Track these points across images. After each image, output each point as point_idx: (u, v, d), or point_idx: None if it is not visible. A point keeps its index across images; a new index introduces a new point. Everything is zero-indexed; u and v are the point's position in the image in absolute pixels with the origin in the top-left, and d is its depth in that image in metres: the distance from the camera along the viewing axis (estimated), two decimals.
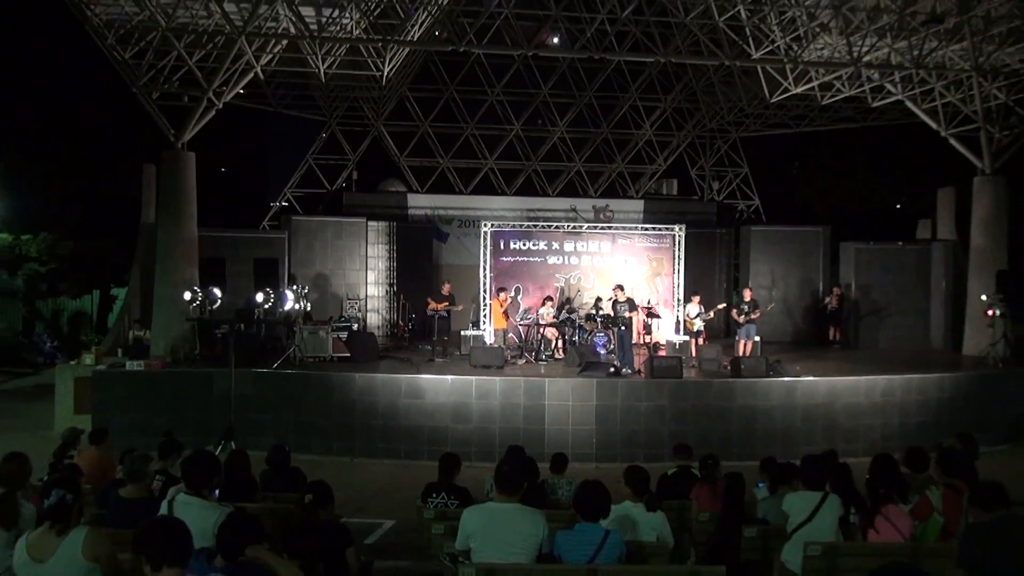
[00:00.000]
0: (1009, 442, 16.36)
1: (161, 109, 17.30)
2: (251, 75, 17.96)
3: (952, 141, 20.17)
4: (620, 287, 17.36)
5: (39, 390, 20.76)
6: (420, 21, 20.20)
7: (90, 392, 15.71)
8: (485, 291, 19.22)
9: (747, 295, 18.59)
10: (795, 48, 20.58)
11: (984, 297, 18.50)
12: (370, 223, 22.64)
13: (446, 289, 18.69)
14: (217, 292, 16.28)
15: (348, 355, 17.17)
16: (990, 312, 18.12)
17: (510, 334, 19.21)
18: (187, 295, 16.08)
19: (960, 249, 21.34)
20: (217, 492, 6.24)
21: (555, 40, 25.97)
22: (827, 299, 21.91)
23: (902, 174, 35.90)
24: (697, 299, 18.68)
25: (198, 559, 4.51)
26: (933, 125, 20.39)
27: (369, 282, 22.57)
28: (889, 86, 20.73)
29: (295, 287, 18.25)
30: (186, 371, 15.79)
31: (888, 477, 7.12)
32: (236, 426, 13.75)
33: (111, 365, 16.35)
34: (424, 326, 20.13)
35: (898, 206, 38.87)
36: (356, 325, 19.69)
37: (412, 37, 20.40)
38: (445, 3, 20.49)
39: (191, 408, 15.05)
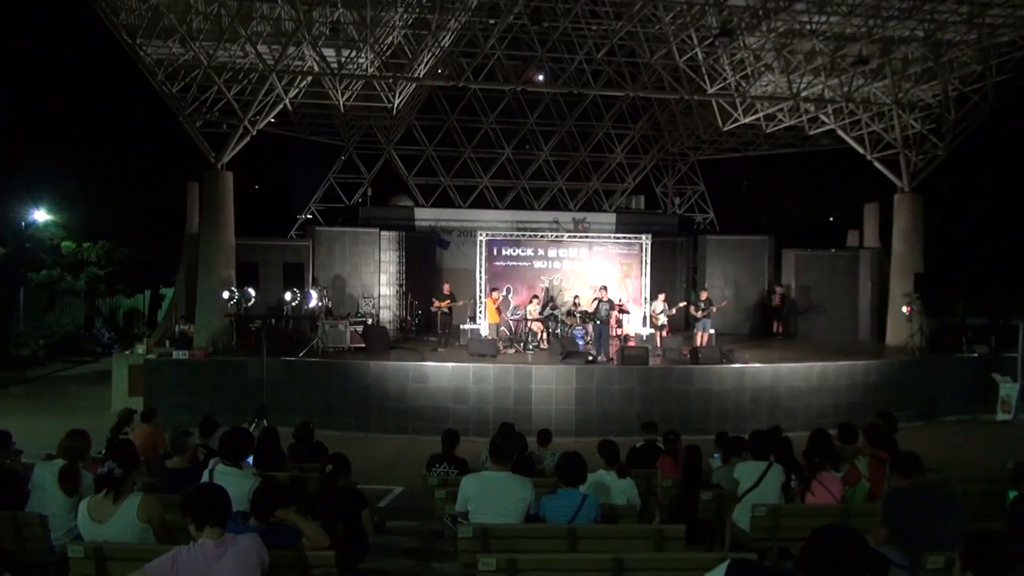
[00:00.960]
0: (924, 419, 16.47)
1: (203, 135, 17.23)
2: (281, 106, 17.90)
3: (876, 164, 20.23)
4: (604, 288, 17.37)
5: (98, 376, 20.67)
6: (425, 61, 20.16)
7: (142, 377, 15.65)
8: (481, 291, 19.20)
9: (703, 295, 18.71)
10: (744, 84, 20.64)
11: (904, 296, 18.60)
12: (382, 233, 22.57)
13: (446, 289, 18.68)
14: (251, 292, 16.24)
15: (364, 346, 17.14)
16: (908, 308, 18.22)
17: (502, 327, 19.21)
18: (225, 294, 16.03)
19: (883, 255, 21.41)
20: (251, 461, 6.23)
21: (540, 77, 25.99)
22: (773, 297, 21.98)
23: (835, 191, 35.92)
24: (662, 297, 18.69)
25: (235, 520, 4.51)
26: (860, 150, 20.45)
27: (382, 283, 22.50)
28: (823, 117, 20.78)
29: (318, 287, 18.21)
30: (225, 359, 15.73)
31: (823, 449, 7.14)
32: (267, 406, 13.74)
33: (160, 355, 16.28)
34: (429, 321, 20.10)
35: (831, 218, 38.91)
36: (370, 320, 19.65)
37: (418, 74, 20.36)
38: (447, 45, 20.46)
39: (229, 391, 15.00)
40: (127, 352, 17.73)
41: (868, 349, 19.18)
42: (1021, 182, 31.23)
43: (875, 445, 6.97)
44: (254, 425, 12.62)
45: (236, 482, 5.22)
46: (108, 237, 26.58)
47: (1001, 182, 31.48)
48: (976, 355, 17.89)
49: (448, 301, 18.30)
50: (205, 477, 5.52)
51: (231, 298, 16.02)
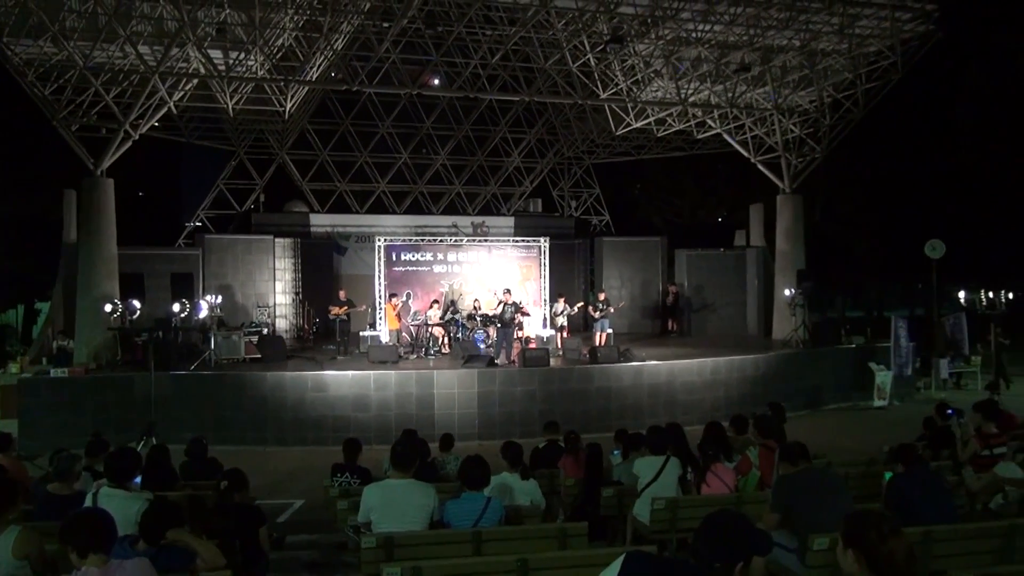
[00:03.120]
0: (808, 408, 17.30)
1: (80, 139, 16.32)
2: (164, 109, 17.17)
3: (760, 166, 21.17)
4: (508, 292, 17.46)
5: None
6: (317, 64, 19.76)
7: (15, 398, 14.63)
8: (380, 297, 18.96)
9: (601, 296, 19.07)
10: (635, 90, 21.23)
11: (787, 292, 19.49)
12: (276, 240, 21.99)
13: (342, 295, 18.40)
14: (136, 304, 15.51)
15: (259, 356, 16.65)
16: (792, 304, 19.10)
17: (403, 333, 19.03)
18: (108, 307, 15.26)
19: (768, 253, 22.38)
20: (139, 482, 5.94)
21: (436, 81, 25.94)
22: (668, 297, 22.63)
23: (723, 193, 37.38)
24: (562, 299, 18.97)
25: (121, 545, 4.28)
26: (744, 153, 21.36)
27: (277, 291, 21.92)
28: (710, 122, 21.61)
29: (209, 297, 17.57)
30: (108, 376, 14.92)
31: (716, 441, 7.41)
32: (156, 423, 13.15)
33: (36, 373, 15.30)
34: (327, 329, 19.70)
35: (720, 219, 40.51)
36: (266, 330, 19.12)
37: (311, 77, 19.95)
38: (340, 48, 20.13)
39: (114, 409, 14.23)
40: None
41: (756, 343, 19.98)
42: (892, 183, 33.41)
43: (764, 435, 7.26)
44: (142, 443, 12.05)
45: (123, 504, 4.96)
46: None
47: (874, 182, 33.57)
48: (854, 346, 18.94)
49: (345, 308, 17.99)
50: (88, 501, 5.22)
51: (114, 311, 15.26)
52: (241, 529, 5.49)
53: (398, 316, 18.59)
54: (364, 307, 18.83)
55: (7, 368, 16.26)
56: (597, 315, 18.43)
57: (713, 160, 31.21)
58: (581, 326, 22.35)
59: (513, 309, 17.01)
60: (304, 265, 22.67)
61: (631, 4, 17.26)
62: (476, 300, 19.22)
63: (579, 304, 19.83)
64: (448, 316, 18.60)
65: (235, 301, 20.61)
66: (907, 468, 5.94)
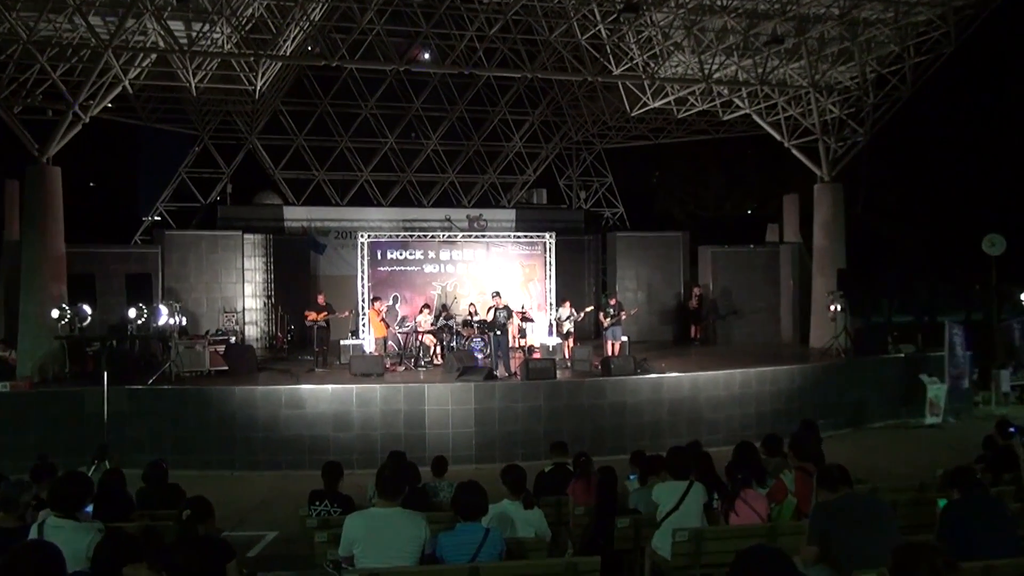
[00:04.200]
0: (851, 426, 17.27)
1: (24, 123, 16.34)
2: (119, 89, 17.18)
3: (794, 151, 21.18)
4: (497, 294, 17.47)
5: None
6: (292, 36, 19.79)
7: None
8: (363, 301, 18.96)
9: (613, 299, 19.05)
10: (652, 65, 21.22)
11: (826, 294, 19.47)
12: (246, 236, 22.00)
13: (321, 299, 18.37)
14: (87, 309, 15.53)
15: (226, 368, 16.64)
16: (832, 307, 19.08)
17: (389, 342, 19.02)
18: (55, 313, 15.25)
19: (804, 250, 22.37)
20: (91, 511, 5.94)
21: (426, 56, 25.93)
22: (691, 300, 22.59)
23: (752, 182, 37.45)
24: (567, 304, 18.95)
25: None
26: (777, 137, 21.36)
27: (246, 295, 21.93)
28: (737, 101, 21.62)
29: (169, 302, 17.57)
30: (56, 390, 14.90)
31: (746, 463, 7.40)
32: (110, 445, 13.10)
33: None
34: (303, 337, 19.70)
35: (749, 212, 40.54)
36: (233, 338, 19.11)
37: (284, 52, 19.97)
38: (317, 19, 20.15)
39: (62, 428, 14.16)
40: None
41: (791, 352, 19.97)
42: (944, 169, 33.38)
43: (801, 457, 7.24)
44: (93, 468, 12.00)
45: (72, 537, 4.96)
46: None
47: (923, 169, 33.55)
48: (902, 355, 18.91)
49: (324, 313, 18.00)
50: (33, 533, 5.22)
51: (62, 317, 15.25)
52: (206, 565, 5.47)
53: (384, 322, 18.58)
54: (346, 312, 18.84)
55: None
56: (609, 321, 18.42)
57: (741, 145, 31.21)
58: (592, 333, 22.33)
59: (506, 314, 16.99)
60: (277, 265, 22.67)
61: None
62: (472, 304, 19.22)
63: (587, 308, 19.79)
64: (441, 322, 18.60)
65: (199, 306, 20.61)
66: (964, 494, 5.93)
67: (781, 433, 8.71)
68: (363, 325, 18.84)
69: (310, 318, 17.99)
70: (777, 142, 21.54)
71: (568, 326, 18.61)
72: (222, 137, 27.51)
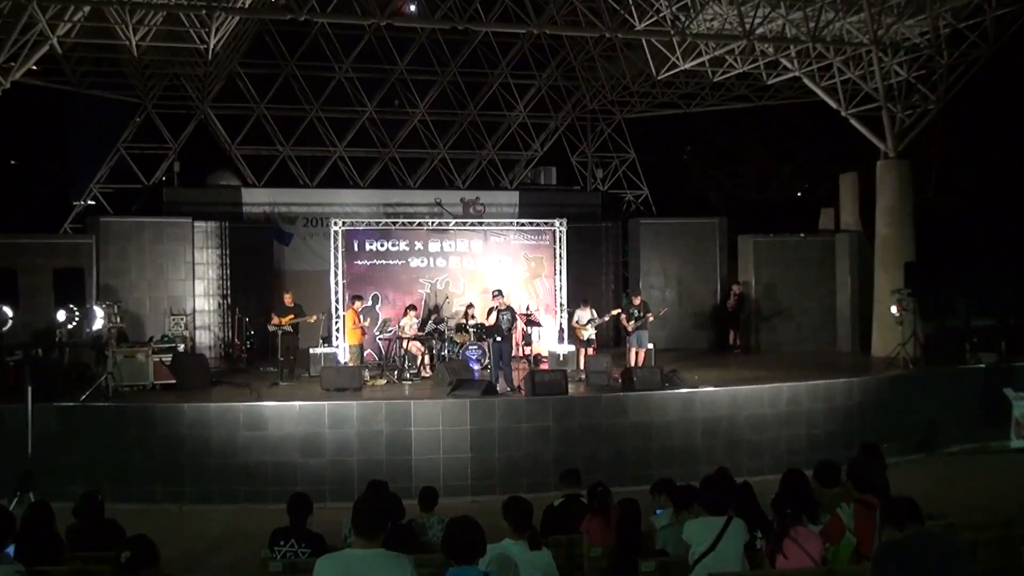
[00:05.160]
0: (921, 450, 17.22)
1: None
2: (46, 48, 17.17)
3: (853, 121, 21.12)
4: (499, 293, 17.41)
5: None
6: None
7: None
8: (338, 301, 18.97)
9: (637, 299, 18.96)
10: (682, 19, 21.16)
11: (892, 293, 19.38)
12: (197, 224, 22.00)
13: (288, 300, 18.33)
14: (7, 311, 15.49)
15: (173, 382, 16.65)
16: (898, 309, 19.01)
17: (367, 350, 19.02)
18: None
19: (865, 240, 22.33)
20: (12, 552, 5.94)
21: (412, 8, 25.96)
22: (729, 300, 22.54)
23: (802, 158, 37.37)
24: (588, 306, 18.91)
25: None
26: (833, 104, 21.30)
27: (197, 294, 21.93)
28: (785, 61, 21.56)
29: (106, 302, 17.57)
30: None
31: (796, 495, 7.37)
32: (36, 473, 13.13)
33: None
34: (266, 344, 19.70)
35: (799, 194, 40.48)
36: (182, 346, 19.10)
37: (242, 4, 19.95)
38: None
39: None
40: None
41: (849, 363, 19.94)
42: None
43: (862, 488, 7.21)
44: (16, 500, 12.06)
45: None
46: None
47: (1008, 143, 33.42)
48: (983, 366, 18.85)
49: (291, 316, 18.01)
50: None
51: None
52: None
53: (361, 328, 18.59)
54: (316, 315, 18.84)
55: None
56: (632, 325, 18.38)
57: (790, 114, 31.16)
58: (611, 340, 22.32)
59: (509, 317, 16.97)
60: (235, 258, 22.70)
61: None
62: (470, 306, 19.23)
63: (613, 312, 19.73)
64: (429, 327, 18.59)
65: (141, 307, 20.64)
66: None
67: (838, 459, 8.67)
68: (337, 330, 18.85)
69: (274, 322, 18.00)
70: (832, 111, 21.48)
71: (589, 332, 18.57)
72: (169, 106, 27.48)
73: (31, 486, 12.75)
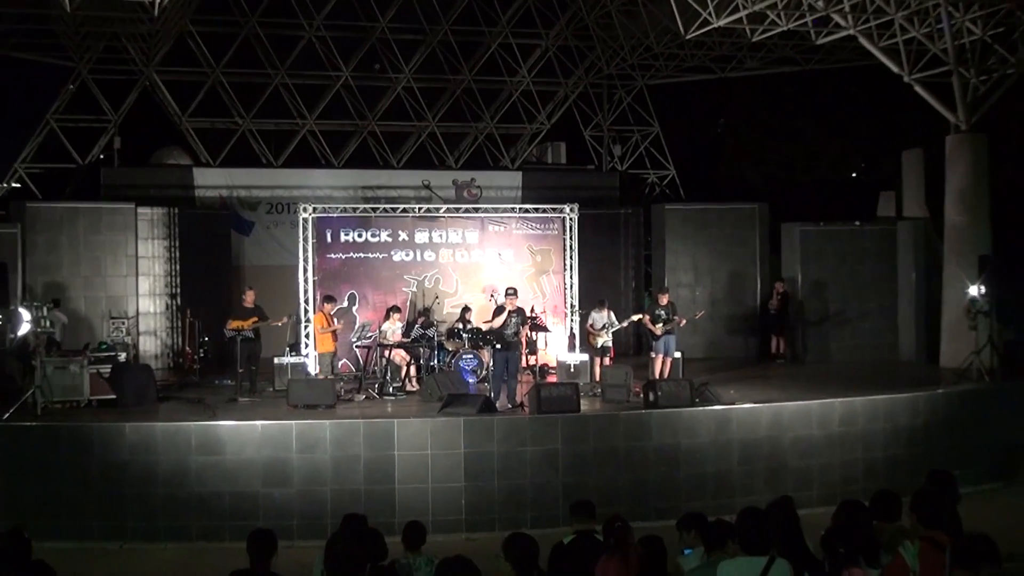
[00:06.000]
0: (999, 478, 17.16)
1: None
2: None
3: (918, 88, 21.07)
4: (514, 292, 17.31)
5: None
6: None
7: None
8: (306, 302, 18.96)
9: (663, 298, 18.88)
10: None
11: (970, 291, 19.26)
12: (141, 210, 21.98)
13: (249, 299, 18.30)
14: (24, 313, 15.63)
15: (113, 397, 16.65)
16: (972, 310, 18.94)
17: (343, 360, 19.00)
18: None
19: (932, 229, 22.29)
20: None
21: None
22: (771, 299, 22.49)
23: (858, 133, 37.37)
24: (606, 308, 18.86)
25: None
26: (894, 68, 21.24)
27: (141, 293, 21.92)
28: (837, 17, 21.50)
29: (33, 304, 17.58)
30: None
31: (852, 532, 7.36)
32: None
33: None
34: (222, 353, 19.70)
35: (853, 175, 40.48)
36: (124, 355, 19.10)
37: None
38: None
39: None
40: None
41: (914, 375, 19.91)
42: None
43: (928, 523, 7.19)
44: None
45: None
46: None
47: None
48: None
49: (253, 320, 18.03)
50: None
51: None
52: None
53: (333, 333, 18.57)
54: (284, 319, 18.84)
55: None
56: (659, 330, 18.34)
57: (843, 80, 31.15)
58: (631, 347, 22.30)
59: (520, 320, 16.94)
60: (185, 251, 22.68)
61: None
62: (468, 307, 19.20)
63: (635, 317, 19.66)
64: (416, 332, 18.57)
65: (75, 308, 20.64)
66: None
67: (900, 489, 8.67)
68: (307, 336, 18.85)
69: (232, 326, 17.98)
70: (894, 76, 21.45)
71: (604, 339, 18.54)
72: (108, 71, 27.53)
73: None
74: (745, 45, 25.42)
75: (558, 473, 14.96)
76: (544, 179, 26.01)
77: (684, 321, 18.76)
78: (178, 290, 22.62)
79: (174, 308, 22.54)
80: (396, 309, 18.99)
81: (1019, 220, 27.59)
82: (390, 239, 20.35)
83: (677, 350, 18.63)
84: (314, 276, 19.09)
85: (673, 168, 31.17)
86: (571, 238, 19.98)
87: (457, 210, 21.82)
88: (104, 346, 19.10)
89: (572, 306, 19.76)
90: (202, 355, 20.81)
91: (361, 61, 29.15)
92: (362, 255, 20.23)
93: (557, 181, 25.90)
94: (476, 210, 21.91)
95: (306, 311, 18.90)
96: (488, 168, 28.31)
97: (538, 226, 20.65)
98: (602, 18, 28.85)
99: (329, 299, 18.71)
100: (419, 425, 15.06)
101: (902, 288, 22.52)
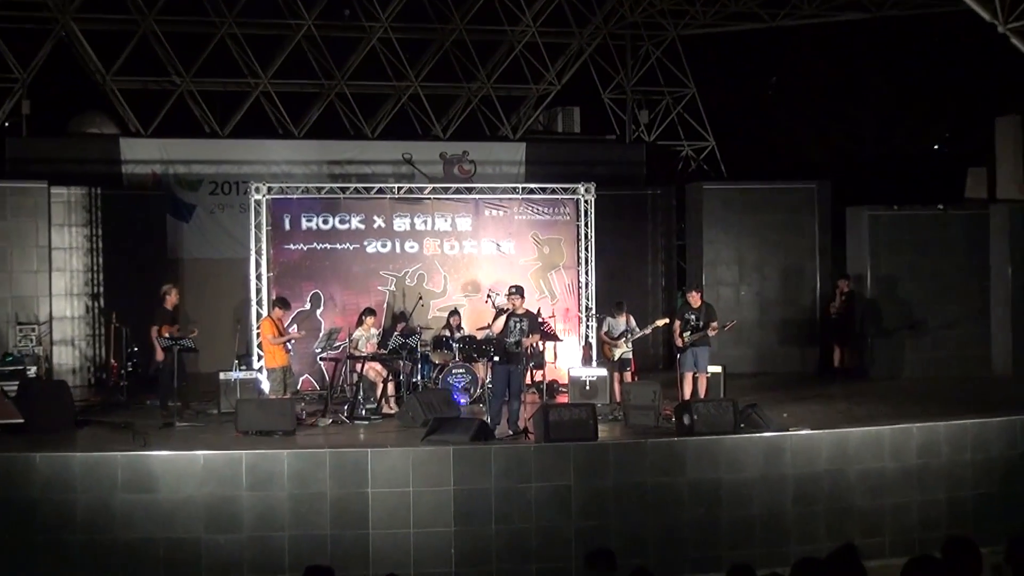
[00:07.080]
0: None
1: None
2: None
3: (1015, 41, 21.08)
4: (518, 292, 17.28)
5: None
6: None
7: None
8: (259, 303, 18.97)
9: (696, 298, 18.75)
10: None
11: None
12: (55, 190, 21.98)
13: (171, 300, 18.23)
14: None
15: (21, 421, 16.65)
16: None
17: (304, 376, 19.01)
18: None
19: None
20: None
21: None
22: (834, 301, 22.48)
23: (941, 96, 37.36)
24: (624, 312, 18.83)
25: None
26: (985, 16, 21.23)
27: (55, 293, 21.92)
28: None
29: None
30: None
31: None
32: None
33: None
34: (156, 366, 19.69)
35: (935, 147, 40.45)
36: (34, 369, 19.15)
37: None
38: None
39: None
40: None
41: (1010, 393, 19.87)
42: None
43: None
44: None
45: None
46: None
47: None
48: None
49: (192, 327, 18.02)
50: None
51: None
52: None
53: (284, 344, 18.52)
54: (194, 332, 18.82)
55: None
56: (689, 337, 18.28)
57: (920, 31, 31.13)
58: (660, 358, 22.30)
59: (526, 326, 16.94)
60: (110, 240, 22.69)
61: None
62: (456, 312, 19.21)
63: (660, 321, 19.61)
64: (395, 341, 18.58)
65: None
66: None
67: (992, 536, 8.65)
68: (256, 345, 18.85)
69: (162, 333, 17.97)
70: (986, 26, 21.45)
71: (624, 349, 18.53)
72: (14, 19, 27.51)
73: None
74: None
75: (570, 516, 14.95)
76: (553, 153, 26.03)
77: (715, 329, 18.48)
78: (101, 289, 22.61)
79: (96, 311, 22.53)
80: (370, 312, 18.97)
81: None
82: (363, 226, 20.36)
83: (715, 364, 18.58)
84: (268, 272, 19.11)
85: (712, 139, 31.13)
86: (586, 225, 20.00)
87: (446, 190, 21.78)
88: (9, 358, 19.14)
89: (588, 309, 19.78)
90: (130, 369, 20.82)
91: (327, 7, 29.11)
92: (328, 246, 20.24)
93: (569, 155, 25.93)
94: (469, 190, 21.88)
95: (259, 315, 18.91)
96: (484, 139, 28.27)
97: (545, 210, 20.67)
98: None
99: (281, 303, 18.55)
100: (398, 456, 15.07)
101: (995, 287, 22.50)
